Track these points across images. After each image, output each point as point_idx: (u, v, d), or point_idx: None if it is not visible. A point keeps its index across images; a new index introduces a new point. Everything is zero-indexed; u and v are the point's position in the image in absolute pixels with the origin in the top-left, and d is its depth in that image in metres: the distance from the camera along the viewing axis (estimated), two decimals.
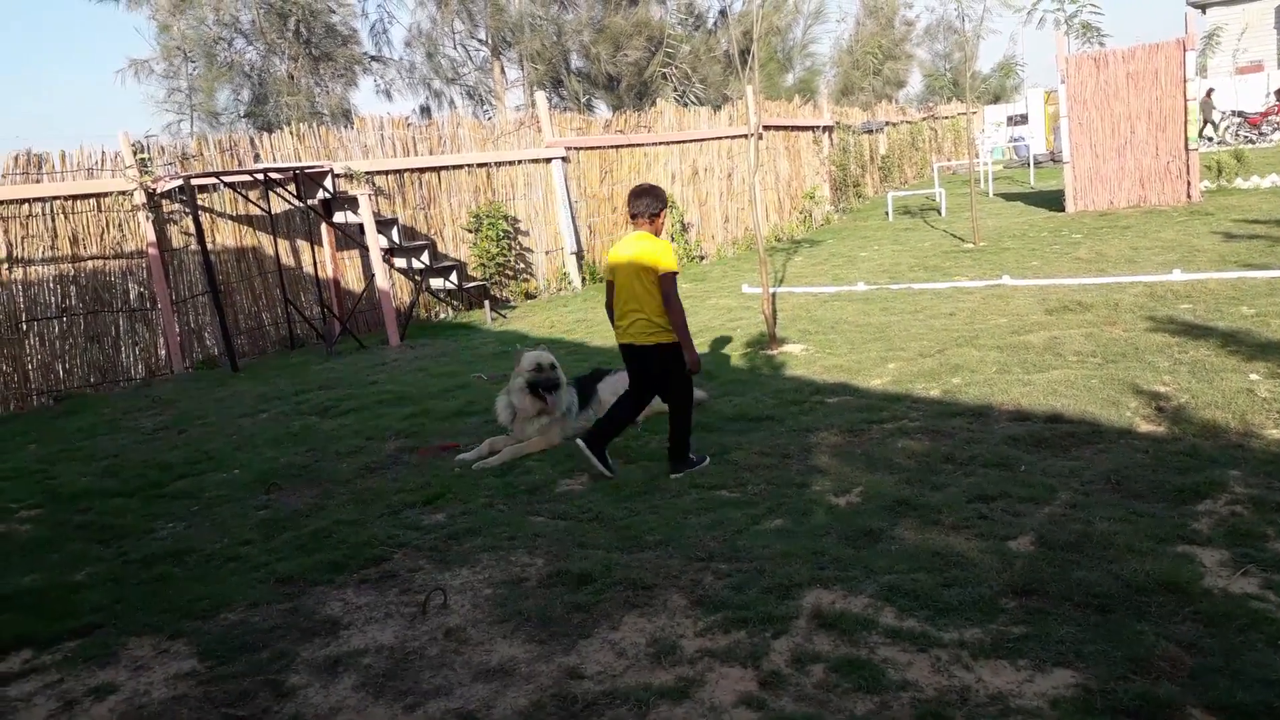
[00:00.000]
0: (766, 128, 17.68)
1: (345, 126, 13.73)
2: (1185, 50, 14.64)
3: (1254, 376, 5.66)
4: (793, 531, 4.20)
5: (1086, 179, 15.70)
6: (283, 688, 3.30)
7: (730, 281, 13.00)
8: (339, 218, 11.65)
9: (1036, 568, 3.58)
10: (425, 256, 12.04)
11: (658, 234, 5.28)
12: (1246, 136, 25.67)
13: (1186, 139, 14.77)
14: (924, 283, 10.60)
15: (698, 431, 5.99)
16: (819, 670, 3.05)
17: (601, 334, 10.06)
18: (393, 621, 3.74)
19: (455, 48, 29.80)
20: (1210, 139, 25.16)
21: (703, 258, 16.22)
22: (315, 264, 12.03)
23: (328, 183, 11.37)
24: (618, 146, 15.16)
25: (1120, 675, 2.85)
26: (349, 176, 11.68)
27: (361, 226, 11.35)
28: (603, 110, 29.25)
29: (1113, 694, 2.76)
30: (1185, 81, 14.66)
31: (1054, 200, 17.22)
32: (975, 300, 9.17)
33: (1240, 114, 26.31)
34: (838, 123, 21.96)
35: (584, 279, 14.40)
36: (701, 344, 8.80)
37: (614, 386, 6.49)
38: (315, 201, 11.56)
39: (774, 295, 9.01)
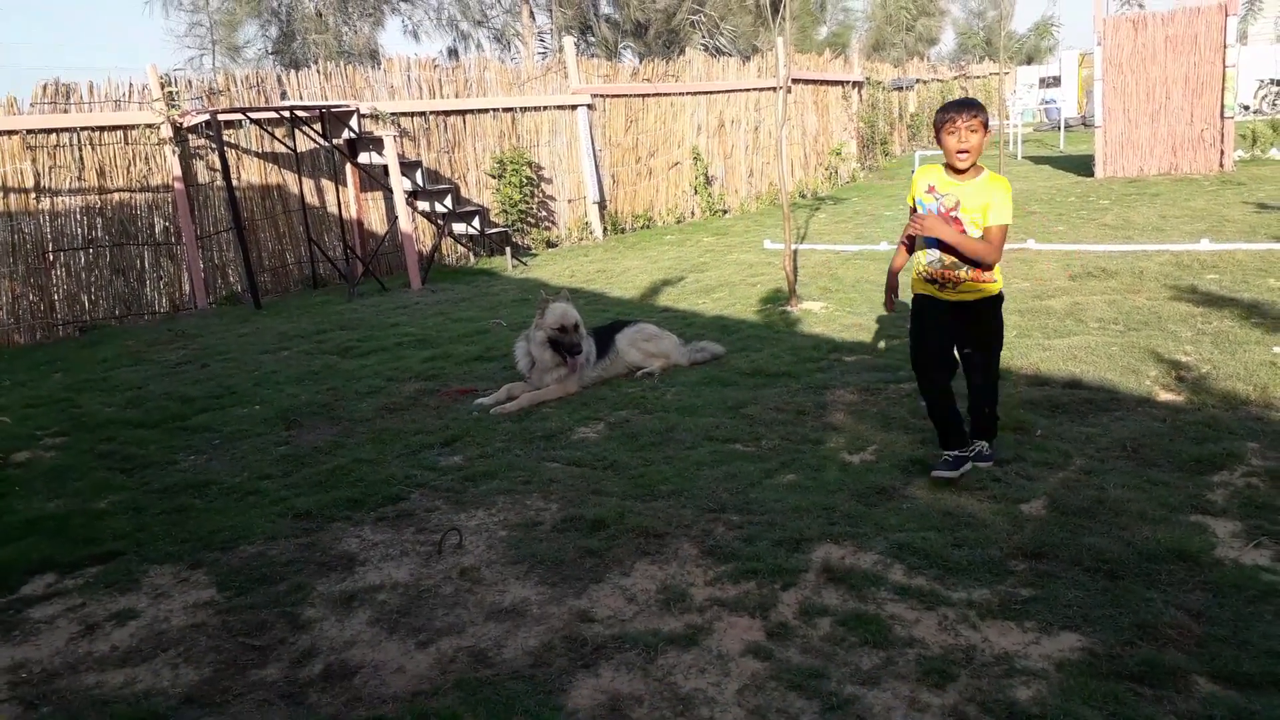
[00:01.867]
0: (795, 81, 17.44)
1: (372, 66, 13.63)
2: (1227, 15, 14.33)
3: (1278, 349, 5.61)
4: (805, 487, 4.23)
5: (1117, 144, 15.47)
6: (299, 620, 3.36)
7: (753, 236, 12.92)
8: (363, 158, 11.63)
9: (1047, 531, 3.60)
10: (448, 201, 12.01)
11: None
12: None
13: (1223, 106, 14.51)
14: None
15: (713, 384, 6.01)
16: (826, 623, 3.09)
17: (621, 285, 10.04)
18: (408, 559, 3.80)
19: None
20: None
21: (725, 211, 16.11)
22: (339, 204, 12.04)
23: (353, 123, 11.33)
24: (644, 95, 14.99)
25: (1127, 641, 2.87)
26: (374, 117, 11.64)
27: (386, 168, 11.33)
28: (630, 58, 28.94)
29: (1118, 659, 2.78)
30: (1225, 47, 14.36)
31: (1083, 165, 16.98)
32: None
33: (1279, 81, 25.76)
34: (868, 78, 21.65)
35: (605, 229, 14.35)
36: (720, 299, 8.78)
37: (632, 338, 6.47)
38: (340, 141, 11.54)
39: (795, 252, 8.95)
